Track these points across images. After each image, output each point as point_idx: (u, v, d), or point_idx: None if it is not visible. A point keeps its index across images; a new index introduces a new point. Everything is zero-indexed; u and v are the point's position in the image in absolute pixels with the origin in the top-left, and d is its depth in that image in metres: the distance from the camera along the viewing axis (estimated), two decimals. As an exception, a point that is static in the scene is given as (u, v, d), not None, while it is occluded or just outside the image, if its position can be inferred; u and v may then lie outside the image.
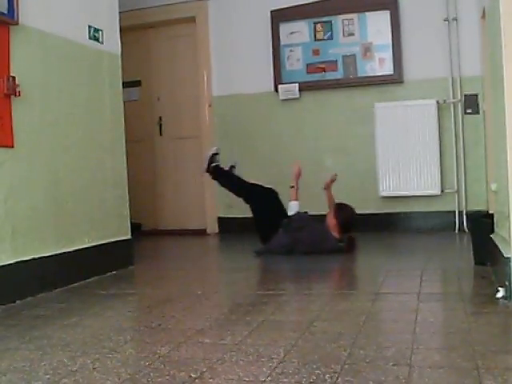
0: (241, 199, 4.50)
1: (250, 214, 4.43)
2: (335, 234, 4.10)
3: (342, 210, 4.15)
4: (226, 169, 4.62)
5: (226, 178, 4.59)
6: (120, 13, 3.92)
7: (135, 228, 4.30)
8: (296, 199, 4.27)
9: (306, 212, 4.27)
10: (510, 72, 2.41)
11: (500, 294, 2.44)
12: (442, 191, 5.09)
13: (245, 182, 4.50)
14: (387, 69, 5.25)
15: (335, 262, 3.78)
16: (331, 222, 4.12)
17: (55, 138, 3.24)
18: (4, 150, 2.86)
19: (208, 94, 5.84)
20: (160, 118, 6.13)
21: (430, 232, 5.05)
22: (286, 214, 4.29)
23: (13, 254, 2.88)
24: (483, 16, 4.12)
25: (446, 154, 5.13)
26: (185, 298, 2.85)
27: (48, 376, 1.74)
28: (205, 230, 5.88)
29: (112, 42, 3.81)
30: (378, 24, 5.25)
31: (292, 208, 4.25)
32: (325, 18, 5.40)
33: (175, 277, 3.61)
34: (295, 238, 4.09)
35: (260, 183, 4.48)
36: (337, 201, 4.25)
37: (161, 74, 6.11)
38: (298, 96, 5.47)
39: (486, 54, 4.19)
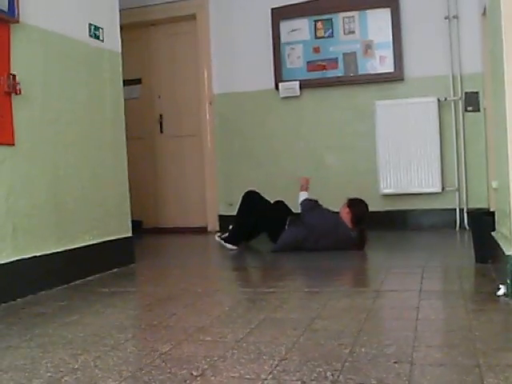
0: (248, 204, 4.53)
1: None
2: (347, 223, 4.14)
3: (355, 202, 4.21)
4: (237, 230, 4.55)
5: (245, 228, 4.51)
6: (120, 10, 3.93)
7: (136, 226, 4.29)
8: (306, 190, 4.39)
9: (316, 201, 4.33)
10: (511, 69, 2.40)
11: (501, 292, 2.44)
12: (443, 189, 5.09)
13: (254, 216, 4.43)
14: (388, 66, 5.25)
15: (336, 260, 3.78)
16: (344, 210, 4.17)
17: (56, 135, 3.24)
18: (5, 147, 2.86)
19: (208, 91, 5.84)
20: (160, 116, 6.13)
21: (431, 230, 5.05)
22: (290, 212, 4.36)
23: (14, 252, 2.88)
24: (484, 13, 4.12)
25: (446, 151, 5.13)
26: (186, 295, 2.85)
27: (49, 374, 1.74)
28: (205, 228, 5.88)
29: (112, 39, 3.81)
30: (378, 22, 5.25)
31: (301, 196, 4.33)
32: (325, 16, 5.40)
33: (176, 274, 3.61)
34: (307, 224, 4.12)
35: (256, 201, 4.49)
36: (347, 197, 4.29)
37: (161, 71, 6.11)
38: (298, 94, 5.46)
39: (486, 51, 4.18)
